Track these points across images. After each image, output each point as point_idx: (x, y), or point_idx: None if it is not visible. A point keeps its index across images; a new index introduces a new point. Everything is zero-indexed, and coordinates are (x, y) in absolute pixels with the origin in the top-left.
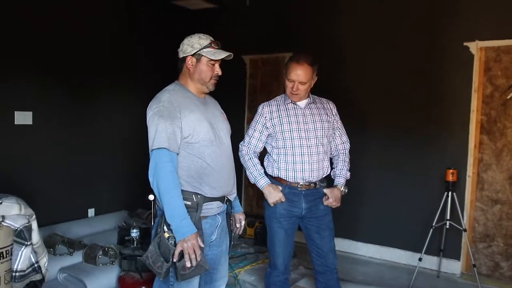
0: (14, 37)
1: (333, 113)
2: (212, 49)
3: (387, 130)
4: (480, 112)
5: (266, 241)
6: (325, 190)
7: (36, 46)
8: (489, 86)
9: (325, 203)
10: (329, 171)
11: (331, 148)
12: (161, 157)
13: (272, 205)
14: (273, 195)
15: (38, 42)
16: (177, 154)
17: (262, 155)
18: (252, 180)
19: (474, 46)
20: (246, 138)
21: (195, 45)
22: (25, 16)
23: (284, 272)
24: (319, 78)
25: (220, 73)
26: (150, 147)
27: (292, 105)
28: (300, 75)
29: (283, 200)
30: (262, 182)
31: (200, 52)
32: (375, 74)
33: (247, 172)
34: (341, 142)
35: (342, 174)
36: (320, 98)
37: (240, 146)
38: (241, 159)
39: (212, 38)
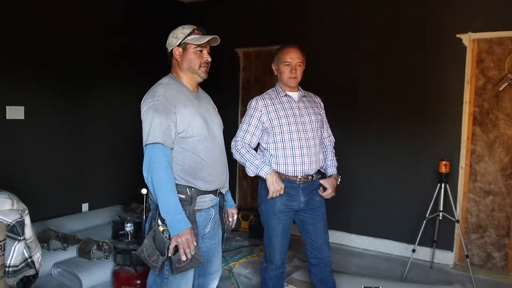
0: (6, 32)
1: (321, 107)
2: (196, 35)
3: (379, 122)
4: (473, 104)
5: (260, 234)
6: (322, 181)
7: (28, 40)
8: (481, 78)
9: (324, 194)
10: (323, 163)
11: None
12: (156, 152)
13: (271, 195)
14: (276, 184)
15: (31, 36)
16: (171, 149)
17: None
18: (253, 171)
19: (467, 38)
20: (240, 133)
21: (179, 35)
22: (18, 11)
23: (280, 266)
24: (314, 71)
25: (209, 59)
26: (144, 141)
27: (287, 98)
28: (296, 57)
29: (282, 193)
30: (266, 169)
31: (185, 40)
32: (367, 66)
33: (246, 165)
34: (328, 136)
35: (333, 165)
36: (307, 92)
37: (233, 142)
38: (236, 154)
39: (195, 26)
